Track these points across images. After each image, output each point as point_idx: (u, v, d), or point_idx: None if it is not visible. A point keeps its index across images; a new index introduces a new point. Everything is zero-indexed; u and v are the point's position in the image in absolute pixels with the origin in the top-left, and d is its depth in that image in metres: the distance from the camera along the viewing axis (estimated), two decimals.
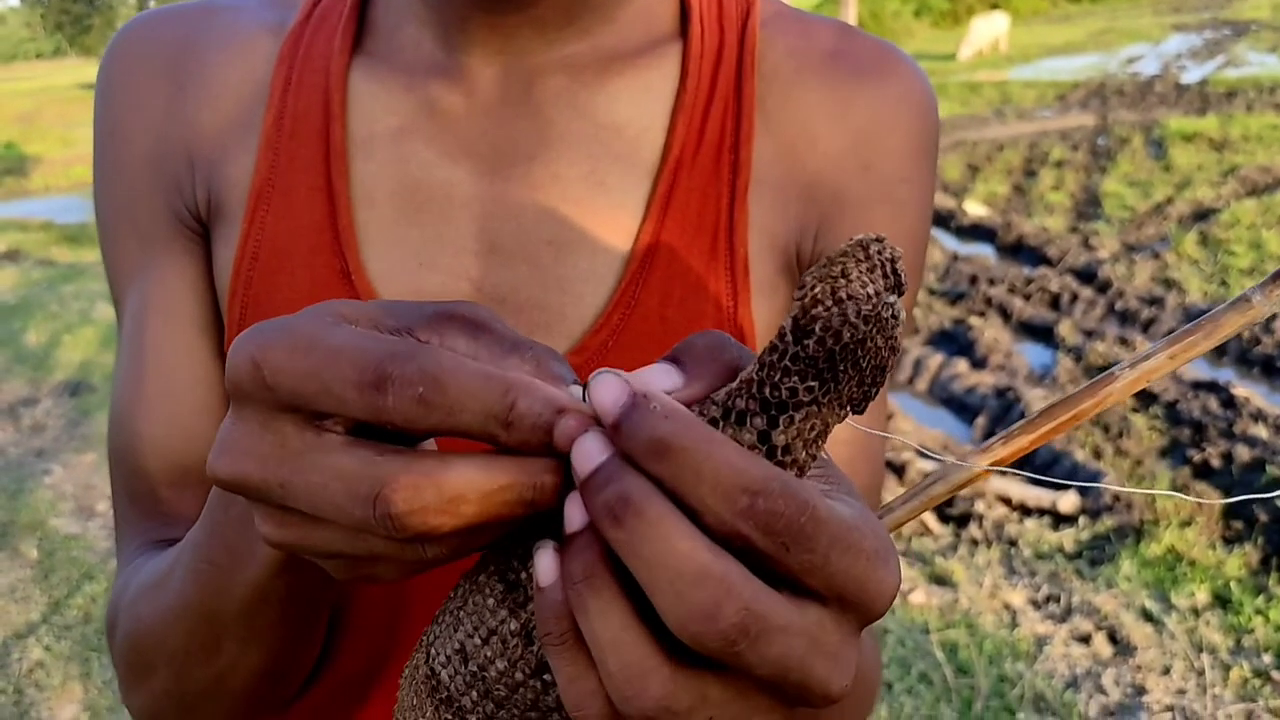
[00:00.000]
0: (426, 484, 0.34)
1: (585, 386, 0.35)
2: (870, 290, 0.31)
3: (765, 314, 0.66)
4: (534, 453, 0.35)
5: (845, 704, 0.66)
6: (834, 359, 0.31)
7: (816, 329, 0.31)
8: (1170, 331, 0.45)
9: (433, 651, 0.41)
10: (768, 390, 0.33)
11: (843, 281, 0.31)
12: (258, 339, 0.36)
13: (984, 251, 7.65)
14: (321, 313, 0.37)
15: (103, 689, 3.15)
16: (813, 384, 0.32)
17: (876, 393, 0.33)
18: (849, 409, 0.33)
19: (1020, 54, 22.92)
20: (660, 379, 0.35)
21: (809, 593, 0.33)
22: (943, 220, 8.54)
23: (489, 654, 0.39)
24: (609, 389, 0.33)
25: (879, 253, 0.32)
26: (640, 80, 0.67)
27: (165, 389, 0.67)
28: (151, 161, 0.68)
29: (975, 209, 8.71)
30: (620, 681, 0.33)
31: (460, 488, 0.34)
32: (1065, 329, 5.70)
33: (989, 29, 22.86)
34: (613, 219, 0.64)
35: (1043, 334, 5.84)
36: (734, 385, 0.34)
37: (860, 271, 0.31)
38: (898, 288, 0.32)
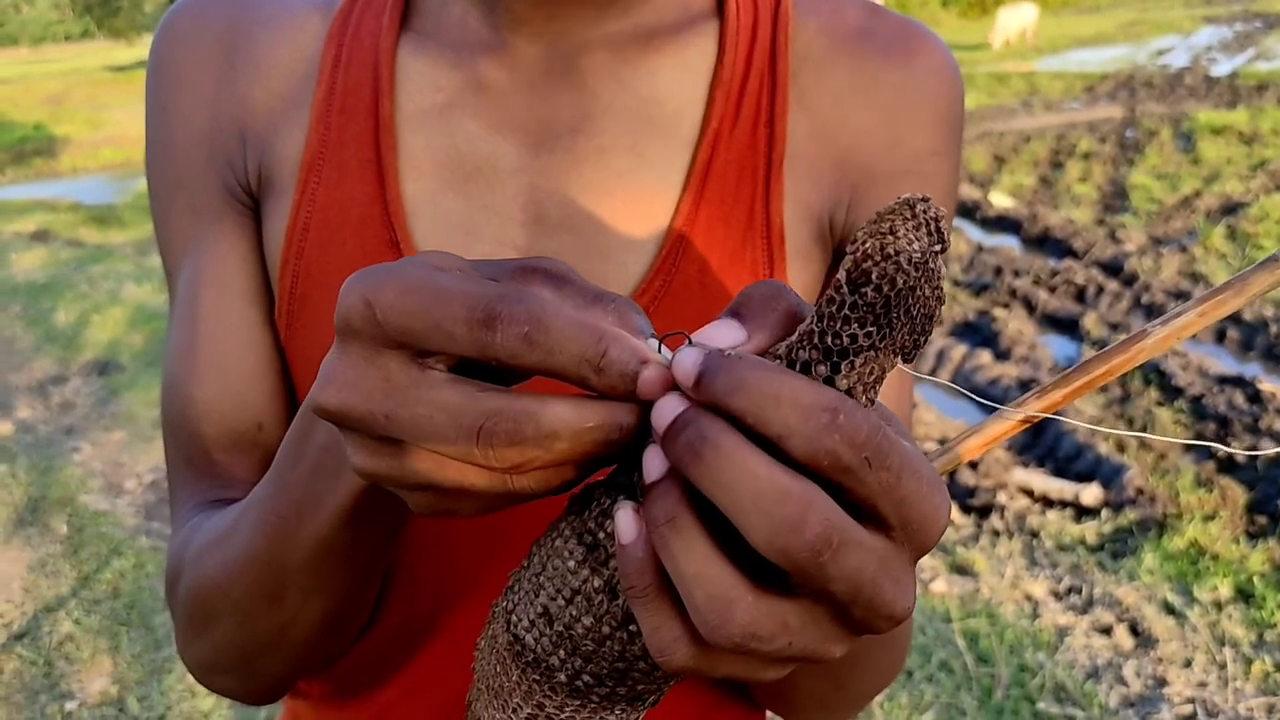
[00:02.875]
0: (527, 419, 0.37)
1: (660, 340, 0.38)
2: (917, 245, 0.33)
3: (800, 281, 0.68)
4: (617, 398, 0.37)
5: (885, 648, 0.68)
6: (889, 305, 0.34)
7: (872, 277, 0.33)
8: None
9: (514, 618, 0.44)
10: (829, 338, 0.35)
11: (891, 237, 0.33)
12: (370, 280, 0.38)
13: (1009, 243, 7.61)
14: (421, 261, 0.40)
15: (131, 662, 3.20)
16: (871, 329, 0.34)
17: (925, 341, 0.35)
18: (900, 356, 0.36)
19: (1048, 45, 22.73)
20: (725, 334, 0.38)
21: (875, 519, 0.35)
22: (968, 211, 8.49)
23: (574, 612, 0.41)
24: (689, 358, 0.35)
25: (924, 211, 0.34)
26: (679, 57, 0.69)
27: (217, 357, 0.69)
28: (204, 138, 0.70)
29: (1001, 200, 8.66)
30: (707, 612, 0.35)
31: (555, 424, 0.37)
32: (1090, 322, 5.67)
33: (1017, 19, 22.68)
34: (653, 190, 0.66)
35: (1067, 326, 5.81)
36: (793, 339, 0.36)
37: (908, 229, 0.34)
38: (941, 243, 0.34)
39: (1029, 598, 3.35)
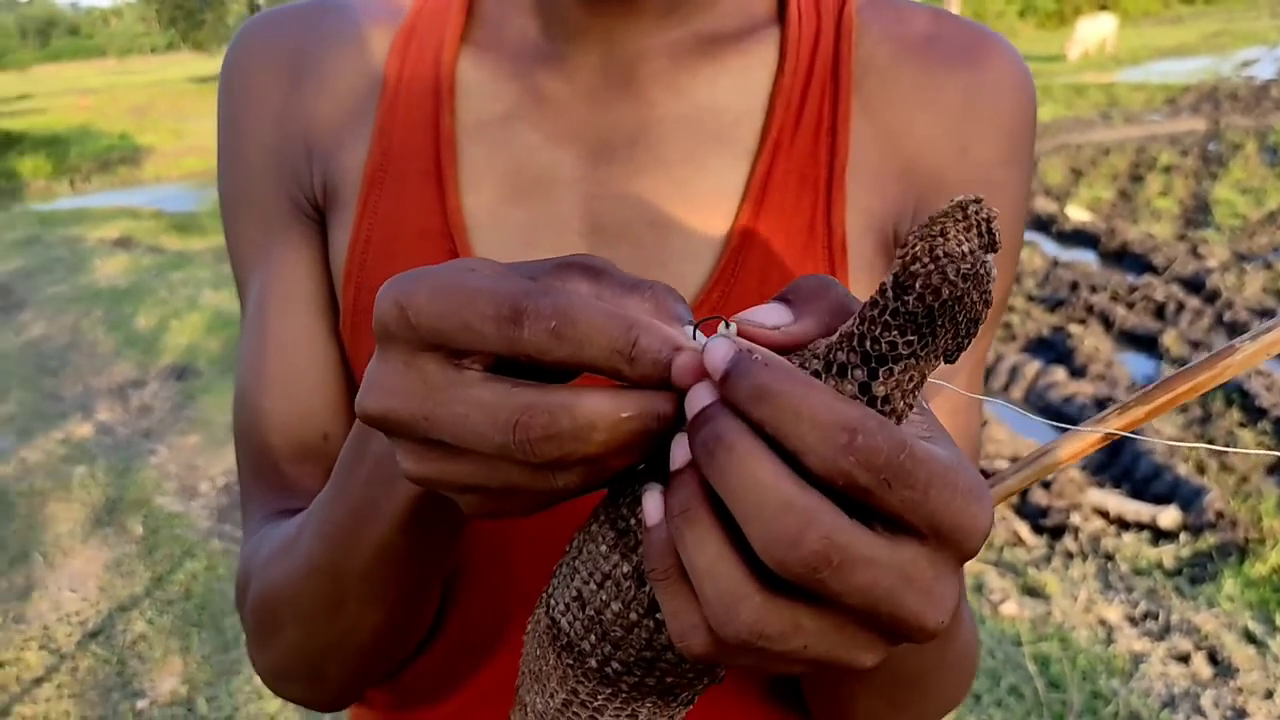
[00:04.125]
0: (561, 412, 0.36)
1: (697, 326, 0.38)
2: (967, 248, 0.32)
3: (864, 292, 0.66)
4: (653, 387, 0.37)
5: (945, 671, 0.67)
6: (933, 314, 0.33)
7: (916, 285, 0.33)
8: None
9: (552, 602, 0.44)
10: (868, 344, 0.34)
11: (941, 240, 0.32)
12: (402, 285, 0.39)
13: (1086, 258, 7.47)
14: (455, 265, 0.40)
15: (201, 663, 3.25)
16: (912, 338, 0.33)
17: (969, 343, 0.34)
18: (942, 359, 0.35)
19: (1129, 55, 22.33)
20: (771, 315, 0.38)
21: (907, 530, 0.34)
22: (1044, 225, 8.35)
23: (604, 597, 0.41)
24: (719, 350, 0.35)
25: (976, 213, 0.33)
26: (739, 65, 0.68)
27: (285, 369, 0.71)
28: (271, 152, 0.72)
29: (1078, 214, 8.50)
30: (715, 607, 0.35)
31: (591, 416, 0.37)
32: (1170, 339, 5.53)
33: (1095, 30, 22.32)
34: (712, 200, 0.66)
35: (1146, 344, 5.68)
36: (834, 339, 0.36)
37: (958, 230, 0.33)
38: (992, 246, 0.33)
39: (1103, 622, 3.27)
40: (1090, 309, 6.14)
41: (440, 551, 0.57)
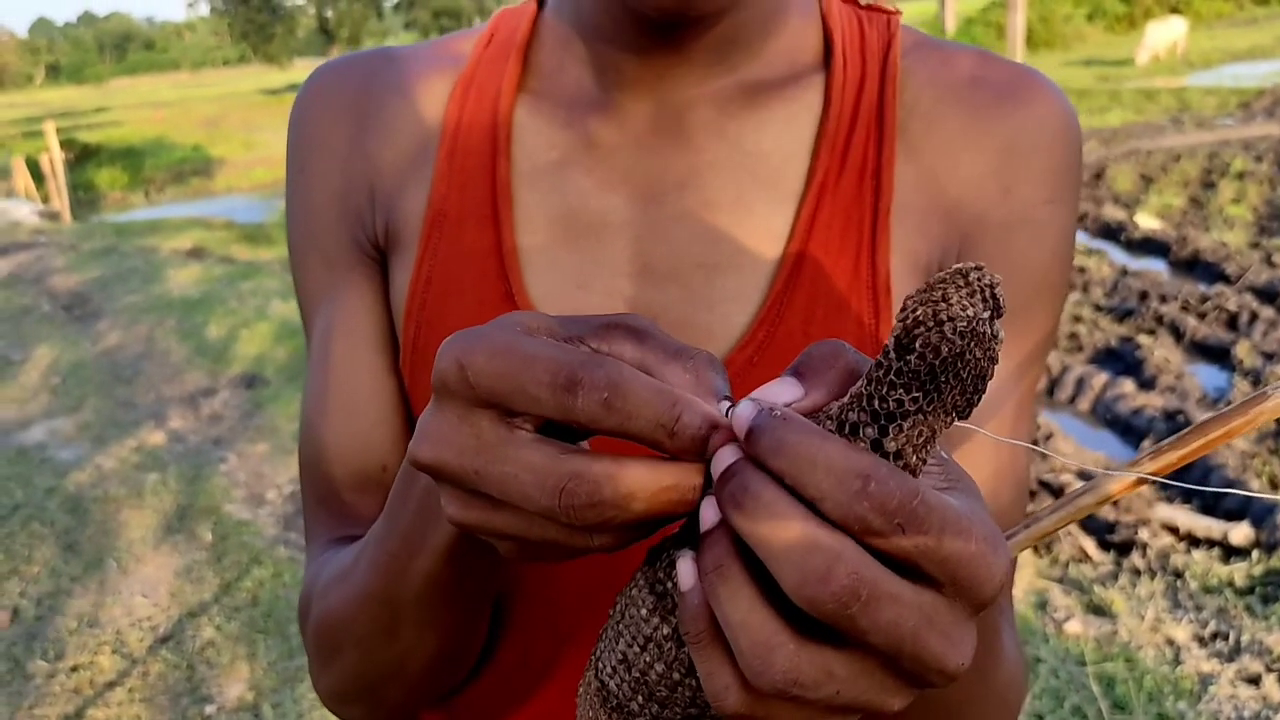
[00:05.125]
0: (605, 481, 0.39)
1: (733, 403, 0.40)
2: (969, 313, 0.34)
3: None
4: (687, 459, 0.39)
5: (984, 705, 0.67)
6: (934, 372, 0.34)
7: (917, 345, 0.34)
8: None
9: (600, 664, 0.46)
10: (876, 403, 0.36)
11: (943, 305, 0.34)
12: (462, 344, 0.41)
13: (1156, 266, 7.32)
14: (510, 323, 0.42)
15: (268, 670, 3.32)
16: (917, 395, 0.35)
17: (979, 399, 0.36)
18: (954, 415, 0.36)
19: (1200, 59, 21.84)
20: (783, 392, 0.40)
21: (924, 577, 0.36)
22: (1112, 233, 8.20)
23: (648, 659, 0.43)
24: (743, 411, 0.38)
25: (978, 279, 0.34)
26: (785, 110, 0.70)
27: (346, 403, 0.74)
28: (337, 195, 0.75)
29: (1148, 222, 8.34)
30: (750, 658, 0.36)
31: (632, 486, 0.39)
32: (1243, 351, 5.40)
33: (1166, 33, 21.87)
34: (759, 241, 0.67)
35: (1218, 355, 5.55)
36: (845, 400, 0.38)
37: (960, 295, 0.34)
38: (996, 311, 0.34)
39: (1170, 642, 3.20)
40: (1160, 319, 6.02)
41: (486, 580, 0.59)
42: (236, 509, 4.47)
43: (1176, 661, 3.09)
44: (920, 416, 0.35)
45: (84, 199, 17.32)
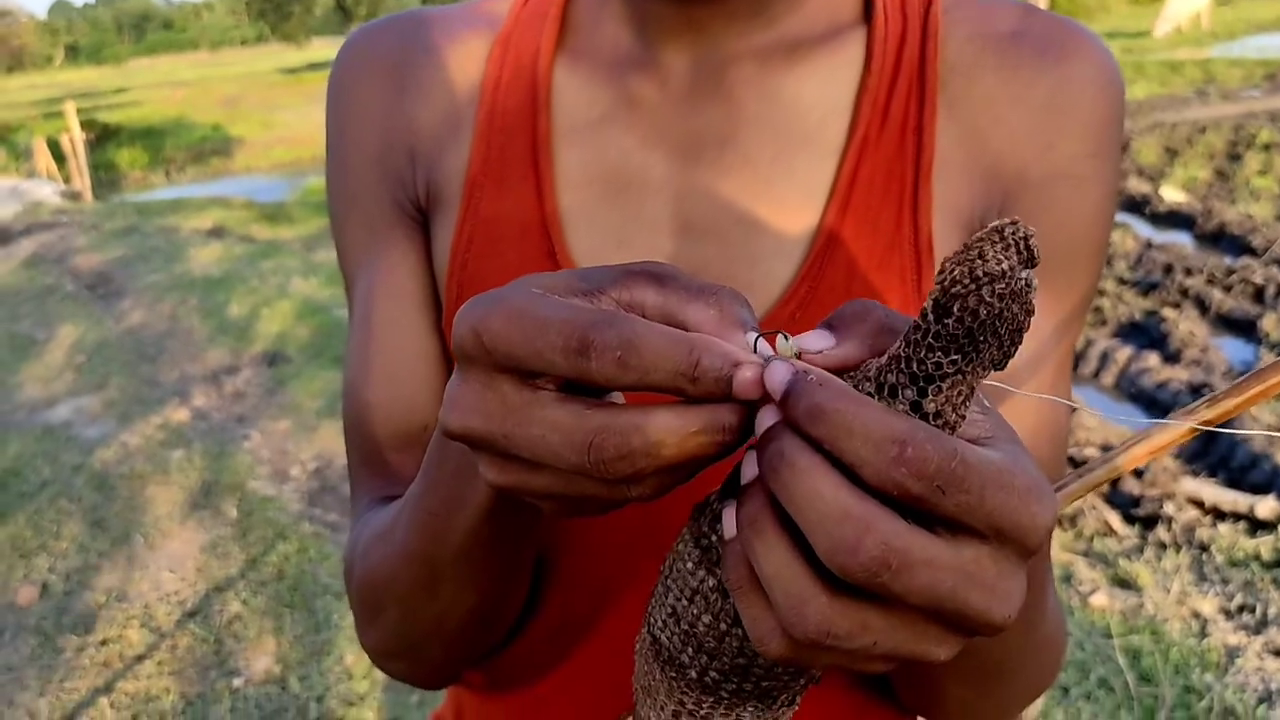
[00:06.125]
0: (633, 432, 0.39)
1: (760, 336, 0.40)
2: (1005, 266, 0.34)
3: None
4: (717, 400, 0.39)
5: (1031, 656, 0.68)
6: (973, 334, 0.34)
7: (955, 308, 0.34)
8: None
9: (652, 620, 0.47)
10: (914, 365, 0.36)
11: (979, 261, 0.34)
12: (477, 311, 0.41)
13: (1181, 239, 7.26)
14: (525, 284, 0.42)
15: (294, 643, 3.34)
16: (956, 357, 0.35)
17: (1016, 351, 0.36)
18: (991, 368, 0.36)
19: (1225, 30, 21.58)
20: (815, 341, 0.40)
21: (967, 531, 0.36)
22: (1137, 206, 8.13)
23: (695, 611, 0.44)
24: (778, 372, 0.37)
25: (1013, 233, 0.34)
26: (825, 66, 0.69)
27: (390, 363, 0.74)
28: (377, 158, 0.75)
29: (1172, 194, 8.26)
30: (785, 610, 0.37)
31: (660, 434, 0.39)
32: (1269, 324, 5.36)
33: (1188, 4, 21.60)
34: (799, 198, 0.67)
35: (1244, 328, 5.51)
36: (883, 361, 0.38)
37: (996, 252, 0.34)
38: (1030, 261, 0.34)
39: (1197, 615, 3.18)
40: (1185, 292, 5.97)
41: (525, 537, 0.60)
42: (261, 485, 4.50)
43: (1203, 634, 3.08)
44: (959, 377, 0.35)
45: (105, 179, 17.41)
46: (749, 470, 0.39)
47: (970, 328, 0.34)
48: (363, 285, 0.76)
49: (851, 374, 0.39)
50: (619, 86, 0.71)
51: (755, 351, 0.40)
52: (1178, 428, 0.44)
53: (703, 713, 0.47)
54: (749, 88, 0.69)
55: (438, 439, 0.56)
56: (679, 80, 0.69)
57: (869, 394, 0.37)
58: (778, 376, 0.37)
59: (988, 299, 0.33)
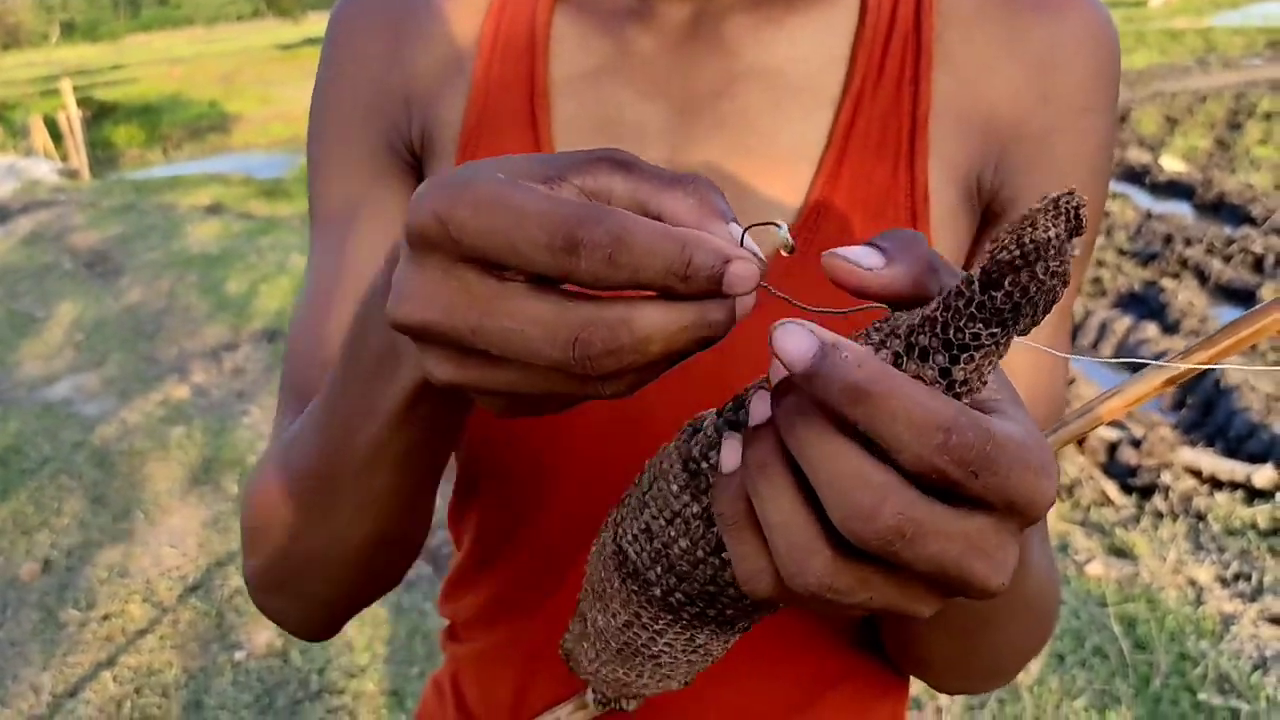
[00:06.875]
0: (621, 326, 0.37)
1: (746, 230, 0.38)
2: (1053, 234, 0.33)
3: (946, 242, 0.67)
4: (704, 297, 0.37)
5: (1018, 611, 0.67)
6: (1018, 308, 0.34)
7: (1005, 284, 0.33)
8: None
9: (620, 530, 0.47)
10: (951, 332, 0.35)
11: (1030, 230, 0.33)
12: (439, 195, 0.37)
13: (1180, 210, 7.24)
14: (488, 167, 0.39)
15: None
16: (996, 330, 0.34)
17: (1044, 318, 0.35)
18: (1016, 335, 0.36)
19: None
20: (866, 257, 0.38)
21: (980, 503, 0.35)
22: (1137, 176, 8.11)
23: (672, 534, 0.44)
24: (795, 339, 0.35)
25: (1067, 202, 0.33)
26: (822, 17, 0.69)
27: (360, 289, 0.72)
28: (371, 104, 0.75)
29: (1172, 164, 8.24)
30: (787, 560, 0.37)
31: (649, 329, 0.37)
32: (1268, 293, 5.35)
33: None
34: (795, 149, 0.67)
35: (1244, 298, 5.50)
36: (915, 321, 0.36)
37: (1046, 219, 0.33)
38: (1078, 230, 0.33)
39: (1192, 583, 3.20)
40: (1184, 263, 5.97)
41: (432, 455, 0.56)
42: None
43: (1198, 602, 3.10)
44: (993, 347, 0.35)
45: (102, 157, 17.36)
46: (759, 410, 0.38)
47: (1018, 303, 0.33)
48: (340, 217, 0.75)
49: (878, 325, 0.38)
50: (616, 37, 0.71)
51: (742, 245, 0.38)
52: (1153, 378, 0.45)
53: (656, 628, 0.47)
54: (745, 39, 0.69)
55: (347, 345, 0.53)
56: (676, 31, 0.70)
57: (896, 353, 0.36)
58: (797, 345, 0.35)
59: (1040, 275, 0.33)
